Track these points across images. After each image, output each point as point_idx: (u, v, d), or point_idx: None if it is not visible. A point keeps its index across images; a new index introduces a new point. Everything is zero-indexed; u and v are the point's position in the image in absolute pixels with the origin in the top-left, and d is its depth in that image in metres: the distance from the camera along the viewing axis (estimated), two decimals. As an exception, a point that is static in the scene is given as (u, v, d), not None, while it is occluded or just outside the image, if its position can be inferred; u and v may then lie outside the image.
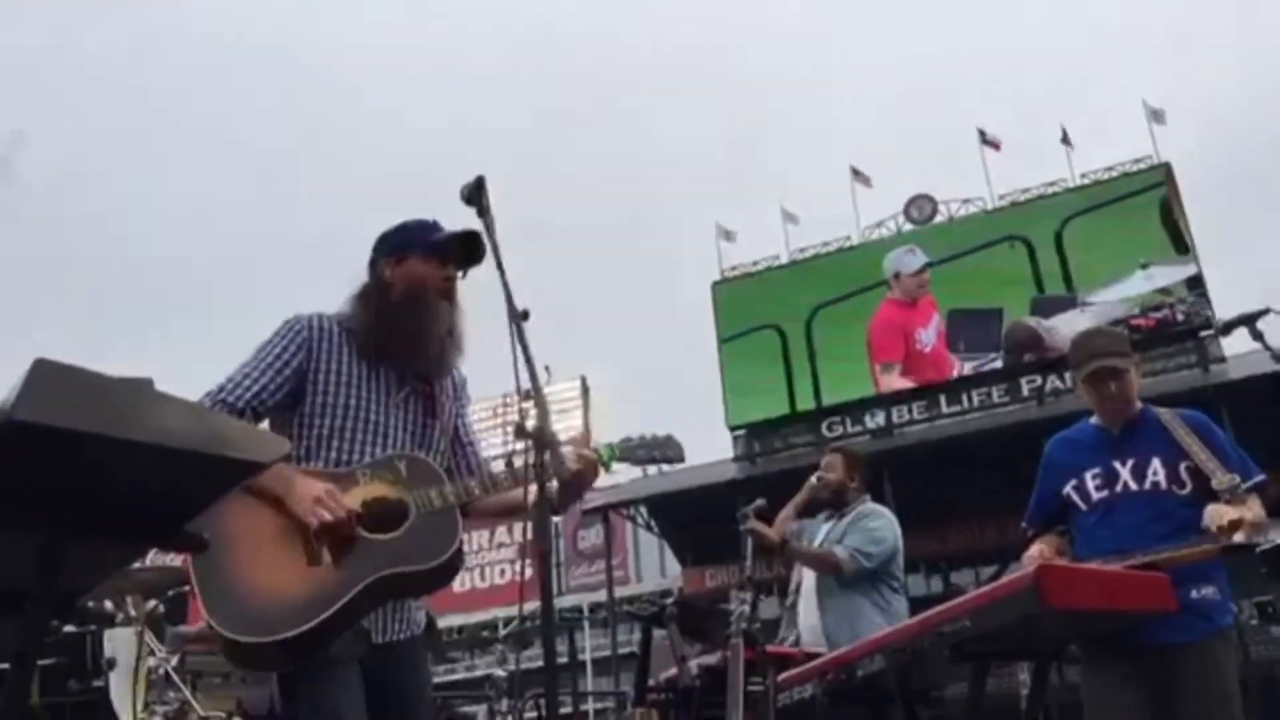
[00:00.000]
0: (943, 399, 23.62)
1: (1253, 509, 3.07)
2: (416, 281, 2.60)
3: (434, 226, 2.66)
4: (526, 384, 2.23)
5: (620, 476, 31.71)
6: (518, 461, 2.37)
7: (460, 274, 2.65)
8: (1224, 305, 20.42)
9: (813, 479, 4.80)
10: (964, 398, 23.46)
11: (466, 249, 2.61)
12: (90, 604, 4.14)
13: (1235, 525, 2.94)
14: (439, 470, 2.53)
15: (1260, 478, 3.20)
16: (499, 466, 2.72)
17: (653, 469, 27.74)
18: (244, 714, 4.89)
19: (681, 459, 2.72)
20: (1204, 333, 21.46)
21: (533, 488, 2.21)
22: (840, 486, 4.84)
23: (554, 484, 2.34)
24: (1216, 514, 2.98)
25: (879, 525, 4.73)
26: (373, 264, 2.68)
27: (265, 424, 2.53)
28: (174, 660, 4.99)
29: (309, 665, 2.30)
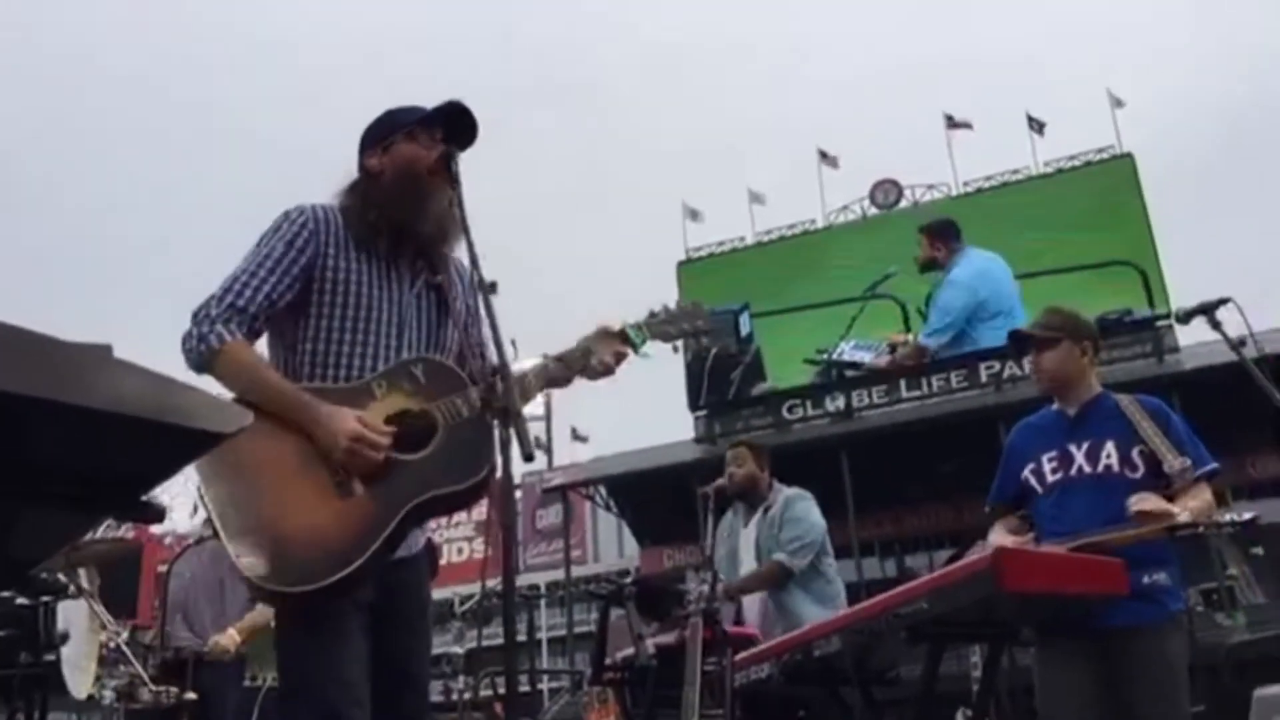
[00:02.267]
0: (902, 384, 23.79)
1: (1199, 496, 3.12)
2: (407, 161, 2.38)
3: (416, 108, 2.45)
4: (493, 356, 2.17)
5: (581, 455, 31.75)
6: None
7: (457, 154, 2.38)
8: (1181, 294, 20.72)
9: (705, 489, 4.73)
10: (924, 382, 23.63)
11: (458, 126, 2.40)
12: (44, 576, 4.07)
13: (1156, 516, 2.99)
14: (459, 373, 2.31)
15: (1212, 466, 3.25)
16: None
17: (612, 449, 27.82)
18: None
19: (714, 331, 2.52)
20: (1159, 323, 21.76)
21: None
22: (751, 479, 4.90)
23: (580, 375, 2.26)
24: (1140, 499, 3.03)
25: (806, 512, 4.83)
26: (360, 161, 2.46)
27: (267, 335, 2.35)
28: (125, 634, 4.93)
29: (317, 616, 2.13)
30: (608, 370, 2.41)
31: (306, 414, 2.15)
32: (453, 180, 2.32)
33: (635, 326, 2.47)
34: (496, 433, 2.11)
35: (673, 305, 2.54)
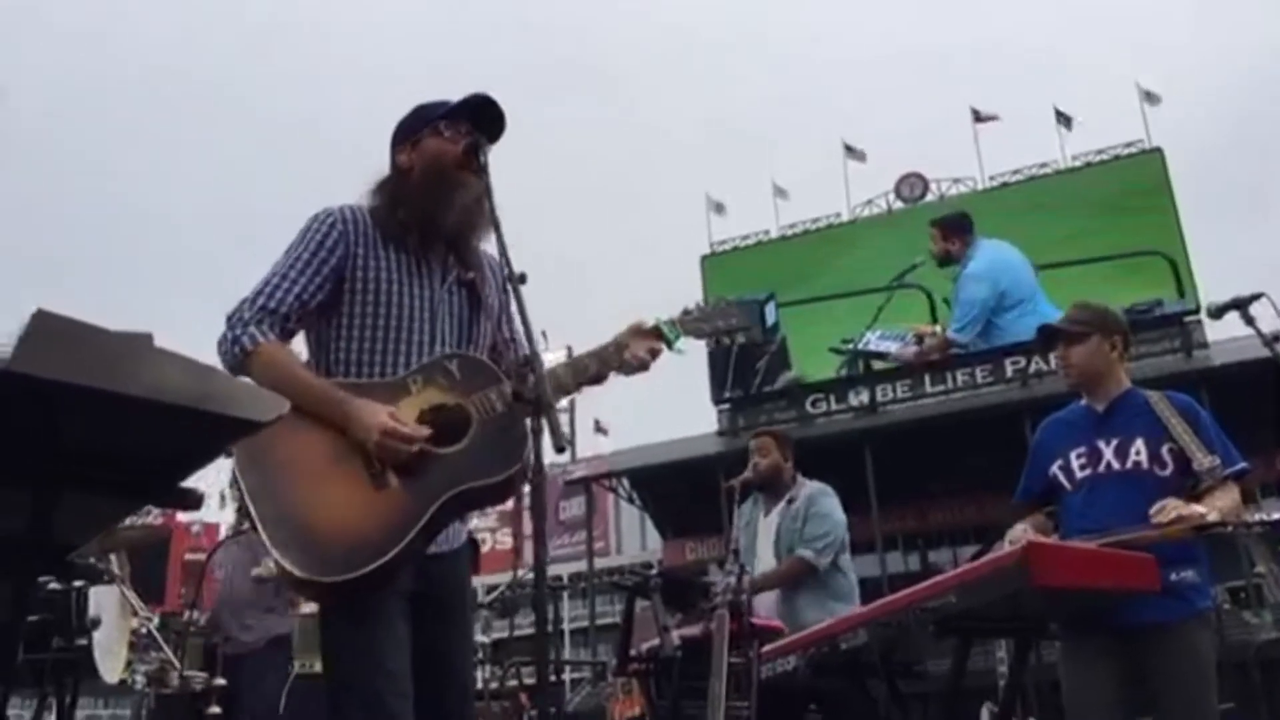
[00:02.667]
0: (927, 378, 23.71)
1: (1228, 495, 3.10)
2: (434, 156, 2.39)
3: (443, 102, 2.44)
4: (524, 349, 2.18)
5: (604, 448, 31.82)
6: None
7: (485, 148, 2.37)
8: (1210, 291, 20.55)
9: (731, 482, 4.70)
10: (948, 378, 23.56)
11: (485, 118, 2.40)
12: (77, 560, 4.12)
13: (1178, 521, 2.97)
14: (494, 368, 2.32)
15: (1241, 465, 3.22)
16: None
17: (633, 442, 27.87)
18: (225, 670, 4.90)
19: (749, 328, 2.52)
20: (1188, 319, 21.58)
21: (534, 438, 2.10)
22: (776, 468, 4.90)
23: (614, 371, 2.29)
24: (1164, 509, 3.01)
25: (831, 509, 4.83)
26: (391, 157, 2.47)
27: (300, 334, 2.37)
28: (155, 620, 4.99)
29: (359, 607, 2.15)
30: (642, 365, 2.42)
31: (340, 409, 2.18)
32: (479, 170, 2.32)
33: (669, 322, 2.48)
34: (529, 424, 2.12)
35: (705, 303, 2.56)
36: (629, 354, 2.40)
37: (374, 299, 2.35)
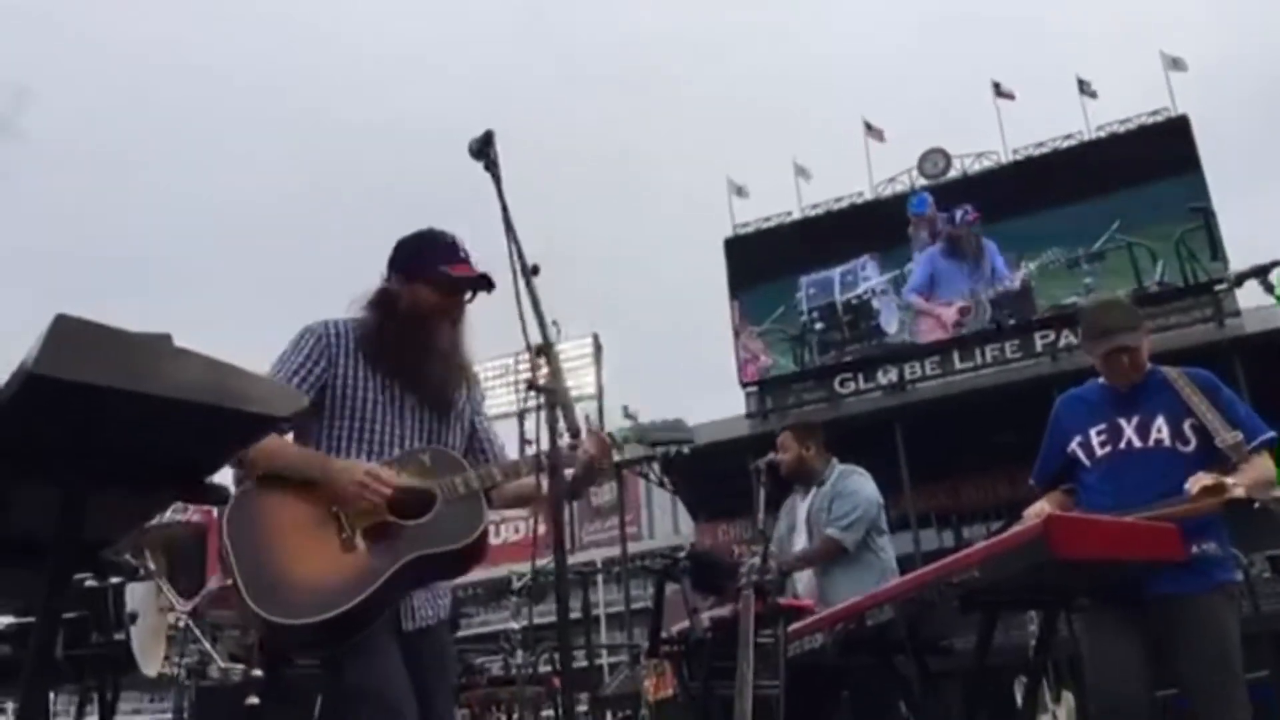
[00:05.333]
0: (956, 355, 23.58)
1: (1256, 467, 3.08)
2: (421, 306, 2.66)
3: (450, 249, 2.69)
4: (537, 339, 2.24)
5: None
6: (529, 424, 2.41)
7: (468, 299, 2.70)
8: (1238, 258, 20.29)
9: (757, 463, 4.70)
10: (977, 353, 23.41)
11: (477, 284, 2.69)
12: (112, 558, 4.18)
13: (1214, 489, 2.96)
14: (462, 460, 2.64)
15: (1269, 435, 3.20)
16: (512, 424, 2.84)
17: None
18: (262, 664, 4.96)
19: (692, 441, 2.84)
20: (1218, 287, 21.33)
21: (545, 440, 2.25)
22: (799, 461, 4.92)
23: (568, 470, 2.49)
24: (1196, 480, 3.01)
25: (858, 486, 4.85)
26: (387, 274, 2.73)
27: (290, 435, 2.61)
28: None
29: (349, 645, 2.37)
30: (592, 462, 2.63)
31: (320, 464, 2.50)
32: (457, 318, 2.70)
33: (619, 429, 2.82)
34: (542, 413, 2.27)
35: (658, 420, 2.92)
36: (582, 450, 2.62)
37: (350, 409, 2.63)
